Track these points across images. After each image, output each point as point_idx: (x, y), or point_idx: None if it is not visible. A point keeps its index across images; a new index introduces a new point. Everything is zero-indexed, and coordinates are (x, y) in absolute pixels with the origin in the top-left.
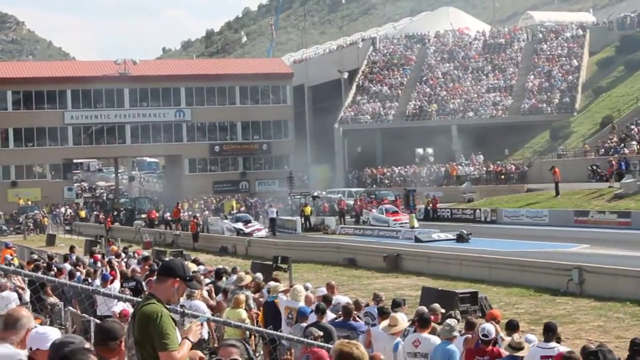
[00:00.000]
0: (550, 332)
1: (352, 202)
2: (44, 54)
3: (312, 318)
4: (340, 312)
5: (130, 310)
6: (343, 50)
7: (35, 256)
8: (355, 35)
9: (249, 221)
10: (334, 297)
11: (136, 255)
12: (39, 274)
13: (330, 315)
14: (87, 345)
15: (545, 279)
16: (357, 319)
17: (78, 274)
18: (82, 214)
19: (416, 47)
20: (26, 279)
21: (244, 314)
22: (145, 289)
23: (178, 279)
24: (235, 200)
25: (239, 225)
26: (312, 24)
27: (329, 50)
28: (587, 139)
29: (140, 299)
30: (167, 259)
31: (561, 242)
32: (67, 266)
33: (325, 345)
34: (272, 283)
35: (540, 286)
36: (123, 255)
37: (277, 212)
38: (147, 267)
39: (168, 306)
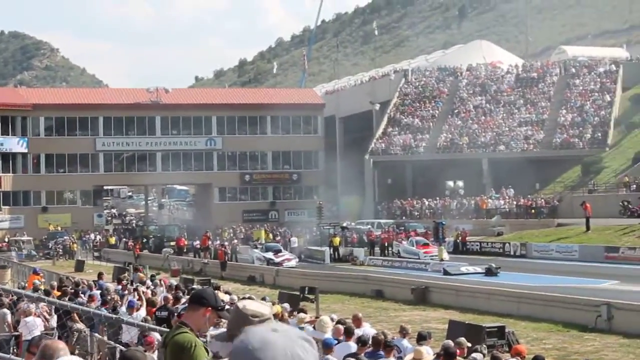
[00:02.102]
0: None
1: (379, 233)
2: (77, 80)
3: (346, 349)
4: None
5: (155, 337)
6: (375, 81)
7: (56, 283)
8: (388, 67)
9: (280, 251)
10: (362, 329)
11: (162, 282)
12: (64, 301)
13: (353, 346)
14: None
15: (573, 314)
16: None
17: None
18: (112, 240)
19: (448, 79)
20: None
21: None
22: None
23: (210, 308)
24: (265, 229)
25: (269, 254)
26: (345, 55)
27: (361, 81)
28: (619, 174)
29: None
30: (198, 287)
31: (591, 277)
32: (97, 293)
33: None
34: (300, 314)
35: (568, 322)
36: (149, 282)
37: (297, 242)
38: (171, 295)
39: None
